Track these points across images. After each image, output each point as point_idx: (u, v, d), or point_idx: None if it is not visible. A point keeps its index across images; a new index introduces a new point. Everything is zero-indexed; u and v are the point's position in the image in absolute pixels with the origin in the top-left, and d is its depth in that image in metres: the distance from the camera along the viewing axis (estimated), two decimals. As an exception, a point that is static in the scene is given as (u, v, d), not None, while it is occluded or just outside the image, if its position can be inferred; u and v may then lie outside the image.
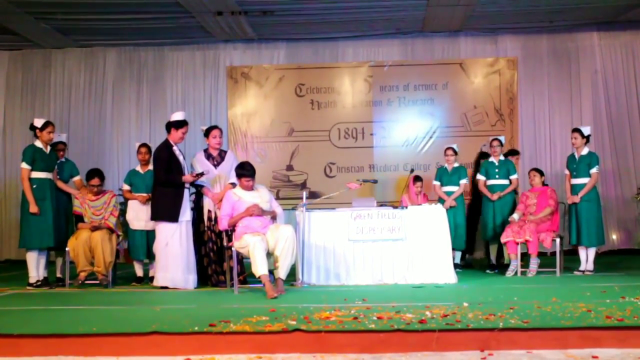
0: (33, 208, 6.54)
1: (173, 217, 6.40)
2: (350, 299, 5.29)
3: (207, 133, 6.93)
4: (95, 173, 7.05)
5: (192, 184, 6.70)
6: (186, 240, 6.47)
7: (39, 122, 6.77)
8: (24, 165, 6.64)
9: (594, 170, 7.31)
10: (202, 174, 6.57)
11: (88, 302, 5.65)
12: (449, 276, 6.59)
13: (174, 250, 6.39)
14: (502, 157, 8.01)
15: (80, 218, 6.92)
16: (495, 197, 7.78)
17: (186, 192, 6.55)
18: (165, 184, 6.47)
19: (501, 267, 7.75)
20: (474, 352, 3.76)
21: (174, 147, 6.62)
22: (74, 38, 10.45)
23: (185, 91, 10.83)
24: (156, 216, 6.49)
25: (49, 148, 6.81)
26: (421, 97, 10.59)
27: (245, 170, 6.27)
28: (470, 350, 3.78)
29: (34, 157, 6.65)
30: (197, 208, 6.86)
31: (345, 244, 6.71)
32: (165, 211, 6.43)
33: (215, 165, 6.83)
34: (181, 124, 6.63)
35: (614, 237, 10.20)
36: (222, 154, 6.92)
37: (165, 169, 6.47)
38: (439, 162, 9.45)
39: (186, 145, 9.77)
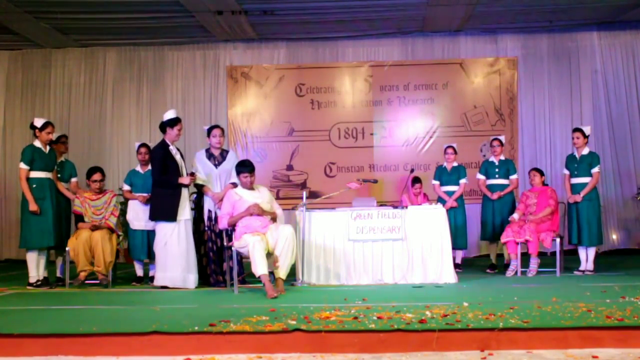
0: (32, 206, 6.53)
1: (171, 216, 6.39)
2: (350, 299, 5.29)
3: (208, 132, 6.94)
4: (97, 169, 7.10)
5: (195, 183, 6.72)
6: (185, 240, 6.45)
7: (38, 122, 6.77)
8: (22, 165, 6.63)
9: (595, 170, 7.32)
10: (193, 174, 6.59)
11: (88, 302, 5.64)
12: (449, 276, 6.59)
13: (172, 250, 6.39)
14: (502, 157, 8.02)
15: (80, 218, 6.92)
16: (495, 196, 7.79)
17: (185, 192, 6.54)
18: (161, 184, 6.46)
19: (501, 267, 7.76)
20: (474, 352, 3.76)
21: (170, 147, 6.60)
22: (74, 38, 10.46)
23: (185, 91, 10.84)
24: (154, 216, 6.49)
25: (48, 148, 6.80)
26: (421, 97, 10.60)
27: (243, 167, 6.30)
28: (470, 350, 3.78)
29: (32, 156, 6.64)
30: (198, 207, 6.86)
31: (345, 244, 6.71)
32: (163, 211, 6.42)
33: (216, 165, 6.82)
34: (175, 122, 6.61)
35: (614, 237, 10.21)
36: (223, 154, 6.91)
37: (160, 169, 6.45)
38: (439, 162, 9.45)
39: (186, 145, 9.80)
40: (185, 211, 6.49)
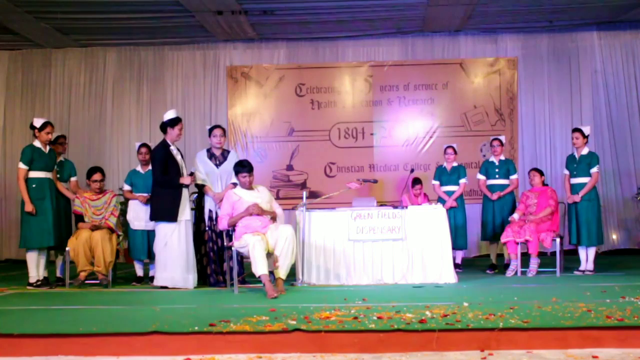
0: (28, 207, 6.53)
1: (172, 216, 6.40)
2: (350, 299, 5.29)
3: (209, 132, 6.94)
4: (97, 169, 7.11)
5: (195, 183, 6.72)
6: (185, 240, 6.45)
7: (38, 122, 6.77)
8: (21, 165, 6.64)
9: (594, 170, 7.32)
10: (192, 174, 6.59)
11: (88, 302, 5.64)
12: (449, 276, 6.59)
13: (172, 250, 6.39)
14: (502, 157, 8.02)
15: (80, 217, 6.92)
16: (495, 196, 7.79)
17: (185, 192, 6.54)
18: (163, 184, 6.47)
19: (501, 267, 7.76)
20: (474, 352, 3.76)
21: (171, 147, 6.60)
22: (74, 38, 10.46)
23: (185, 91, 10.84)
24: (155, 216, 6.49)
25: (47, 148, 6.80)
26: (421, 97, 10.60)
27: (241, 167, 6.29)
28: (470, 350, 3.78)
29: (32, 156, 6.64)
30: (198, 207, 6.86)
31: (345, 244, 6.70)
32: (163, 211, 6.42)
33: (217, 165, 6.82)
34: (175, 122, 6.61)
35: (614, 237, 10.21)
36: (224, 154, 6.91)
37: (161, 169, 6.45)
38: (439, 162, 9.45)
39: (186, 145, 9.81)
40: (185, 211, 6.49)
